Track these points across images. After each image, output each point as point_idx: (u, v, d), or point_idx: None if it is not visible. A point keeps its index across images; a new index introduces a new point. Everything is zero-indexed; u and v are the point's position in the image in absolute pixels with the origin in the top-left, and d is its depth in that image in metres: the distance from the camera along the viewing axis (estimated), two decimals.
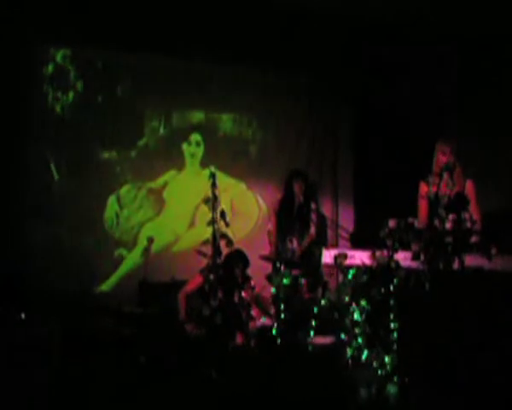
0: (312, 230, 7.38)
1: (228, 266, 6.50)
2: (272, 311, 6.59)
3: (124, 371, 5.70)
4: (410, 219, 5.60)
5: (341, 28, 8.56)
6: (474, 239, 5.46)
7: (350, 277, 5.88)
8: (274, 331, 6.28)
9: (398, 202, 6.24)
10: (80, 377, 5.51)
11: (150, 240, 7.55)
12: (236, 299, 6.47)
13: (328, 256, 6.07)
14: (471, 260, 5.38)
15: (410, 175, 6.29)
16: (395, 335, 5.51)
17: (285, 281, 6.42)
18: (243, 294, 6.65)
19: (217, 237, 5.95)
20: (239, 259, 6.81)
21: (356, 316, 5.77)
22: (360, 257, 5.88)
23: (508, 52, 7.82)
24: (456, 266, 5.32)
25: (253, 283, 6.89)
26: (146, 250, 7.56)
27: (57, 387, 5.34)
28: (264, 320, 6.70)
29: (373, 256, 5.73)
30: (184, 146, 8.70)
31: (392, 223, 5.58)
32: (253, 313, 6.68)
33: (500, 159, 7.83)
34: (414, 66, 8.45)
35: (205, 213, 6.36)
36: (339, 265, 5.96)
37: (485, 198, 5.95)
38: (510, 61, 7.79)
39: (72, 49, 8.29)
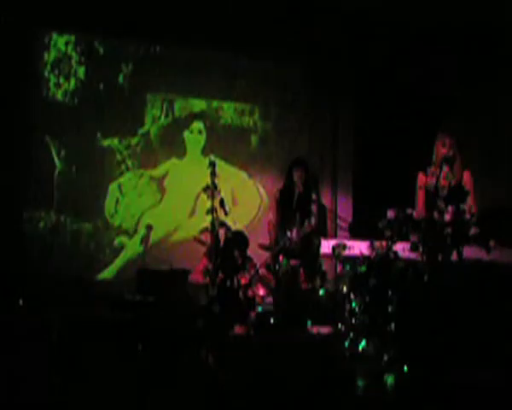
0: (313, 221, 7.34)
1: (227, 248, 6.49)
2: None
3: (122, 358, 5.70)
4: (409, 210, 5.58)
5: (343, 20, 8.55)
6: (472, 231, 5.44)
7: (348, 267, 5.86)
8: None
9: (397, 192, 6.24)
10: (79, 365, 5.51)
11: (149, 228, 7.54)
12: (236, 282, 6.47)
13: (326, 247, 6.05)
14: (469, 252, 5.38)
15: (409, 165, 6.28)
16: (393, 326, 5.50)
17: (283, 271, 6.42)
18: (245, 275, 6.67)
19: (215, 225, 5.92)
20: (238, 240, 6.80)
21: (354, 307, 5.76)
22: (359, 247, 5.85)
23: (509, 49, 7.81)
24: (454, 257, 5.31)
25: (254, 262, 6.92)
26: (145, 238, 7.55)
27: (55, 374, 5.34)
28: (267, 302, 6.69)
29: (371, 247, 5.71)
30: (186, 134, 8.69)
31: (390, 213, 5.57)
32: (260, 291, 6.67)
33: (499, 153, 7.84)
34: (414, 59, 8.44)
35: (205, 202, 6.34)
36: (337, 255, 5.94)
37: (484, 192, 5.93)
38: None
39: (75, 35, 8.28)
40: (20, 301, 6.29)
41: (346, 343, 5.74)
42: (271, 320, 6.21)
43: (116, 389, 5.13)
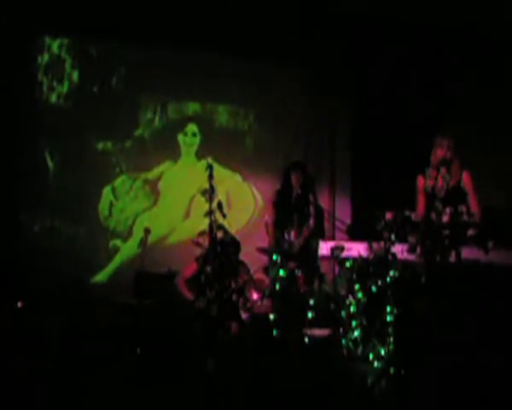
0: (311, 222, 7.35)
1: (223, 253, 6.48)
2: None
3: (121, 362, 5.69)
4: (407, 212, 5.60)
5: (341, 24, 8.59)
6: (470, 232, 5.46)
7: (346, 269, 5.88)
8: (272, 317, 6.25)
9: (395, 194, 6.25)
10: (77, 369, 5.49)
11: (147, 231, 7.46)
12: (232, 285, 6.47)
13: (325, 248, 6.08)
14: (468, 253, 5.39)
15: (408, 167, 6.28)
16: (391, 327, 5.52)
17: (282, 273, 6.41)
18: (239, 279, 6.66)
19: (213, 228, 5.93)
20: (232, 245, 6.80)
21: (352, 308, 5.78)
22: (357, 249, 5.88)
23: (509, 50, 7.85)
24: (452, 258, 5.33)
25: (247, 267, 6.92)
26: (143, 241, 7.49)
27: (54, 377, 5.32)
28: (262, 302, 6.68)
29: (370, 249, 5.74)
30: (180, 137, 8.67)
31: (388, 215, 5.58)
32: (254, 296, 6.67)
33: (499, 155, 7.87)
34: (414, 61, 8.47)
35: (200, 204, 6.36)
36: (335, 257, 5.96)
37: (483, 193, 5.94)
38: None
39: (69, 38, 8.26)
40: (18, 304, 6.28)
41: (345, 345, 5.77)
42: (269, 323, 6.22)
43: (115, 392, 5.11)
